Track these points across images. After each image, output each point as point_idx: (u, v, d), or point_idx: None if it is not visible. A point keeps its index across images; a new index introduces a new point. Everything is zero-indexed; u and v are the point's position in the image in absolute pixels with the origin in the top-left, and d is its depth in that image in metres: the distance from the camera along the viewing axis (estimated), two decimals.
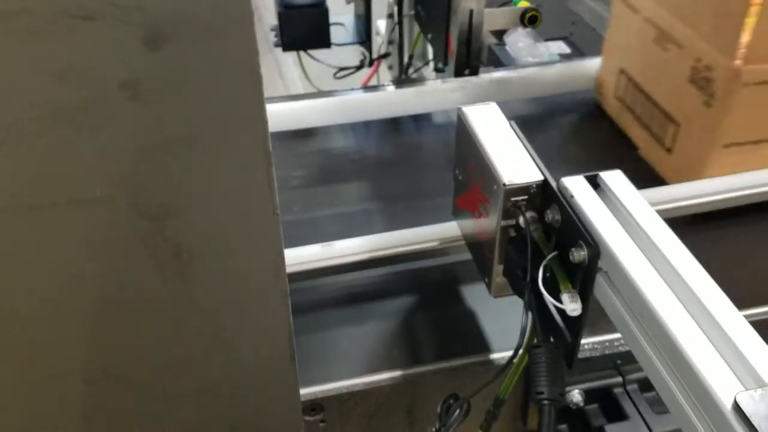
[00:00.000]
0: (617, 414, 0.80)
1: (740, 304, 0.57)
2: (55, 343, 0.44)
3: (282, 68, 2.88)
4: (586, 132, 1.19)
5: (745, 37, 0.85)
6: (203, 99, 0.40)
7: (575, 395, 0.80)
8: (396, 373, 0.79)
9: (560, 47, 1.34)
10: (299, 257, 0.87)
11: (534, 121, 1.19)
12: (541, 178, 0.70)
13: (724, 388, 0.52)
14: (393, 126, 1.17)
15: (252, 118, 0.41)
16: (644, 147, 1.10)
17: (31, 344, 0.44)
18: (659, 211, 0.65)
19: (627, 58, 1.12)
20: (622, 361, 0.81)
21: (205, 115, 0.40)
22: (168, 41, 0.37)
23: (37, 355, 0.45)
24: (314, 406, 0.78)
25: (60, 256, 0.42)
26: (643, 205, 0.66)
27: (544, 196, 0.70)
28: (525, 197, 0.70)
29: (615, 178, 0.68)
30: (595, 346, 0.80)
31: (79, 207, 0.41)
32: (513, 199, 0.70)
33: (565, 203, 0.66)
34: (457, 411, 0.70)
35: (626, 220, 0.65)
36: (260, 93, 0.41)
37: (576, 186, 0.68)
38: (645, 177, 1.03)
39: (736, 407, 0.50)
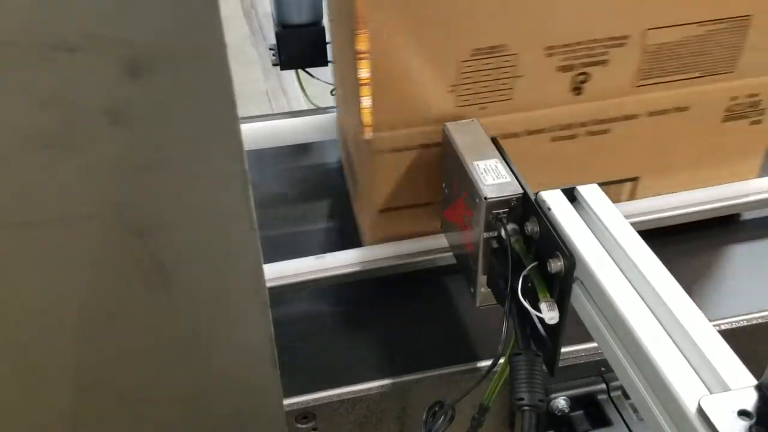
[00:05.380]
0: (601, 420, 0.81)
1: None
2: (44, 353, 0.47)
3: (285, 85, 2.92)
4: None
5: (366, 109, 0.83)
6: (181, 123, 0.43)
7: (560, 402, 0.82)
8: (386, 381, 0.81)
9: None
10: (293, 269, 0.89)
11: None
12: (521, 191, 0.72)
13: (690, 392, 0.54)
14: None
15: (227, 139, 0.44)
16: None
17: (21, 353, 0.47)
18: (633, 224, 0.68)
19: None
20: (605, 368, 0.82)
21: (183, 137, 0.43)
22: (147, 70, 0.40)
23: (28, 365, 0.48)
24: (306, 414, 0.80)
25: (49, 269, 0.45)
26: (617, 217, 0.68)
27: (524, 208, 0.72)
28: (506, 210, 0.72)
29: (591, 192, 0.70)
30: (579, 353, 0.82)
31: (67, 224, 0.44)
32: (494, 211, 0.72)
33: (543, 216, 0.69)
34: (442, 417, 0.72)
35: (601, 232, 0.67)
36: (235, 116, 0.44)
37: (553, 199, 0.70)
38: None
39: (700, 411, 0.52)
